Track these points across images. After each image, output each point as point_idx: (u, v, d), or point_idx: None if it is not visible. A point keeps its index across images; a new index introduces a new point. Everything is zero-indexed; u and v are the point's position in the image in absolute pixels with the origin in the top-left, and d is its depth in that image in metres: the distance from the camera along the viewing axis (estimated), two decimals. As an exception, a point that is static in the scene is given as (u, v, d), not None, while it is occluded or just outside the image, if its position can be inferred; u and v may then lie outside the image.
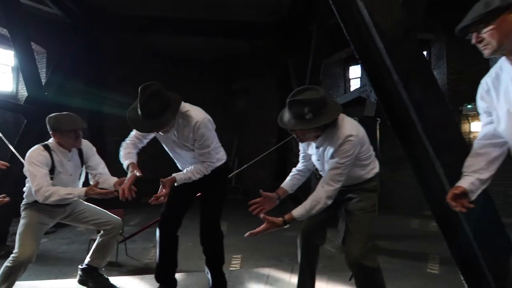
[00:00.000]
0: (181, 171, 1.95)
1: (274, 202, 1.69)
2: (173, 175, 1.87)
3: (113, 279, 2.26)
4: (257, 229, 1.51)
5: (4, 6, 5.03)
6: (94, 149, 2.18)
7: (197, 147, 1.85)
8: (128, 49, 8.51)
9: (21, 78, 6.44)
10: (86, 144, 2.13)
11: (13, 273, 1.86)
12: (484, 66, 6.81)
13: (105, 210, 2.23)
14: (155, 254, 3.64)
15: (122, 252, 4.34)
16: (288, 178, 1.80)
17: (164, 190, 1.78)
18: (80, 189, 1.96)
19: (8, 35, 5.67)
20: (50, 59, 6.82)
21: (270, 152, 5.36)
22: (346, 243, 1.61)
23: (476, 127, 6.90)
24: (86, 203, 2.20)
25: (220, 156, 2.03)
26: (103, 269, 2.24)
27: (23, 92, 6.75)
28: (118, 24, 7.47)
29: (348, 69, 9.15)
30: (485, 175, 1.22)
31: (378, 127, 4.45)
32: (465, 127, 7.08)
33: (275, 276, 2.29)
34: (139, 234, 4.62)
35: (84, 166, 2.13)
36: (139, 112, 1.66)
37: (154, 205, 1.91)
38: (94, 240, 4.18)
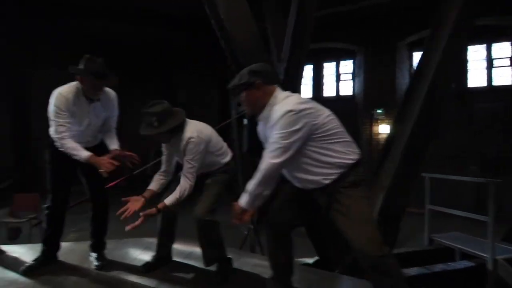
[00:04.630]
0: None
1: (141, 202, 1.96)
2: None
3: (3, 246, 2.47)
4: (136, 223, 1.86)
5: None
6: None
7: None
8: (63, 33, 8.16)
9: None
10: None
11: None
12: (392, 78, 7.95)
13: None
14: (72, 238, 3.77)
15: (37, 237, 4.39)
16: (153, 180, 2.12)
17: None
18: None
19: None
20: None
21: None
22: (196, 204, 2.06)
23: (383, 129, 8.01)
24: None
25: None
26: None
27: None
28: (56, 4, 7.18)
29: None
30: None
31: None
32: (375, 128, 8.16)
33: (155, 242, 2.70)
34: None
35: None
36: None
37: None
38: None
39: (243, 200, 1.63)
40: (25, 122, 6.96)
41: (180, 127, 2.02)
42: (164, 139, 2.09)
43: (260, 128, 1.77)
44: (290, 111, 1.53)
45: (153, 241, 2.73)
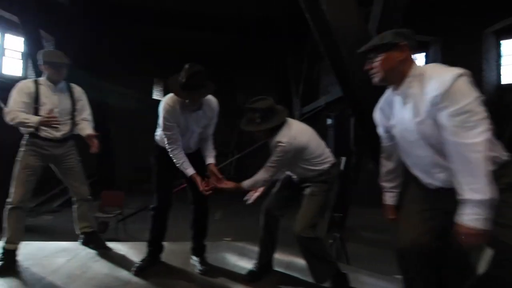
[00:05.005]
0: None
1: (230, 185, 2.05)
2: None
3: (109, 243, 2.58)
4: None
5: (15, -6, 5.28)
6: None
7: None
8: (134, 41, 8.72)
9: (30, 64, 6.73)
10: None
11: (9, 218, 2.11)
12: (477, 70, 7.03)
13: (84, 180, 2.45)
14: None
15: (121, 231, 4.70)
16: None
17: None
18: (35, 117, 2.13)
19: (19, 22, 5.96)
20: (57, 46, 7.09)
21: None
22: (296, 219, 1.92)
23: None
24: (79, 163, 2.43)
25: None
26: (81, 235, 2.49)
27: (32, 78, 7.05)
28: (124, 15, 7.70)
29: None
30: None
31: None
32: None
33: (248, 247, 2.61)
34: (139, 215, 4.99)
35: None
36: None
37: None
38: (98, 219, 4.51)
39: (475, 216, 1.15)
40: (104, 124, 7.58)
41: (280, 127, 1.90)
42: (264, 136, 2.00)
43: (380, 112, 1.51)
44: (462, 74, 1.20)
45: (244, 245, 2.67)
